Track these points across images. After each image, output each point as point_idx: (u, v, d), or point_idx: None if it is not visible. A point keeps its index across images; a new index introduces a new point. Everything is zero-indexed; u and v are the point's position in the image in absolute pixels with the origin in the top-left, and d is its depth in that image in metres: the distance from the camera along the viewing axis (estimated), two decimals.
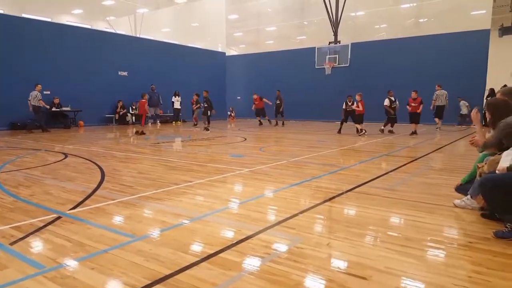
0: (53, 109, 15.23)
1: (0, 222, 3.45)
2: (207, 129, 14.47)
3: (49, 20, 19.55)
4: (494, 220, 3.42)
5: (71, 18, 25.77)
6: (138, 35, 24.15)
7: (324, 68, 21.93)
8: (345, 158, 8.06)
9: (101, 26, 25.79)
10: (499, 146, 3.68)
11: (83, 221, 3.50)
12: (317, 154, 8.30)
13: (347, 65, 21.26)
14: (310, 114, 21.99)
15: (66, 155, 7.86)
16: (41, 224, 3.39)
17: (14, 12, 17.97)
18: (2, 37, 14.42)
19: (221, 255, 2.73)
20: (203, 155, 8.34)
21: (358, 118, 13.14)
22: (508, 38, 21.59)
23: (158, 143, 10.69)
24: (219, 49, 26.14)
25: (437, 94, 14.82)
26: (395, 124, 13.74)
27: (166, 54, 20.61)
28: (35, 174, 5.86)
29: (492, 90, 15.04)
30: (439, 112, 14.99)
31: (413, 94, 13.12)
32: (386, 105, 13.43)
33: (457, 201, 4.01)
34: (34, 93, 13.59)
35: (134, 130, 13.45)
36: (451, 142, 10.83)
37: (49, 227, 3.33)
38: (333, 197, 4.42)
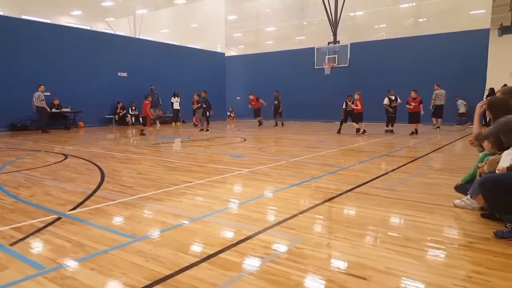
0: (53, 110, 15.23)
1: (0, 223, 3.45)
2: (206, 130, 14.43)
3: (48, 21, 19.57)
4: (494, 220, 3.42)
5: (70, 20, 25.80)
6: (137, 36, 24.17)
7: (324, 68, 21.92)
8: (344, 158, 8.05)
9: (100, 27, 25.83)
10: (498, 145, 3.68)
11: (83, 222, 3.50)
12: (316, 154, 8.30)
13: (347, 65, 21.26)
14: (309, 114, 21.98)
15: (66, 156, 7.86)
16: (41, 225, 3.39)
17: (13, 14, 18.00)
18: (1, 38, 14.41)
19: (221, 255, 2.73)
20: (203, 156, 8.34)
21: (357, 117, 13.17)
22: (508, 37, 21.60)
23: (157, 143, 10.69)
24: (219, 50, 26.14)
25: (436, 94, 14.85)
26: (395, 124, 13.77)
27: (165, 55, 20.62)
28: (35, 175, 5.86)
29: (492, 90, 15.05)
30: (438, 111, 15.01)
31: (413, 94, 13.13)
32: (385, 104, 13.47)
33: (457, 201, 4.01)
34: (37, 94, 13.65)
35: (141, 130, 13.38)
36: (451, 142, 10.83)
37: (49, 228, 3.33)
38: (333, 198, 4.42)
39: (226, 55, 26.27)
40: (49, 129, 14.36)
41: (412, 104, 13.08)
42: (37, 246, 2.96)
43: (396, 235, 3.20)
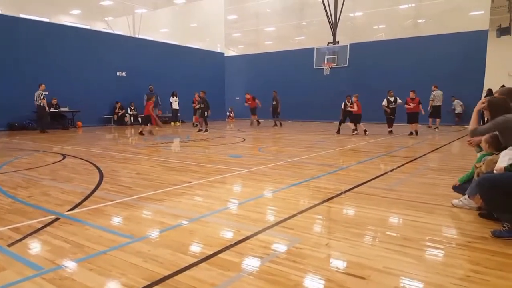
0: (51, 109, 15.21)
1: None
2: (205, 130, 14.40)
3: (47, 20, 19.53)
4: (492, 220, 3.43)
5: (69, 19, 25.75)
6: (136, 36, 24.15)
7: (323, 68, 21.94)
8: (343, 159, 8.06)
9: (99, 26, 25.80)
10: (496, 146, 3.70)
11: (82, 222, 3.49)
12: (316, 155, 8.31)
13: (346, 65, 21.28)
14: (308, 115, 21.99)
15: (64, 156, 7.85)
16: (39, 226, 3.38)
17: (12, 13, 17.94)
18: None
19: (220, 255, 2.73)
20: (202, 156, 8.34)
21: (355, 118, 13.23)
22: (506, 38, 21.68)
23: (156, 143, 10.68)
24: (218, 50, 26.15)
25: (434, 95, 14.97)
26: (394, 125, 13.78)
27: (164, 54, 20.60)
28: (33, 175, 5.84)
29: (490, 91, 15.09)
30: (436, 112, 15.08)
31: (411, 94, 13.16)
32: (383, 105, 13.52)
33: (455, 201, 4.02)
34: (38, 92, 13.64)
35: (149, 130, 13.30)
36: (449, 142, 10.85)
37: (47, 228, 3.32)
38: (332, 198, 4.43)
39: (225, 55, 26.27)
40: (47, 129, 14.33)
41: (411, 104, 13.11)
42: (35, 246, 2.95)
43: (394, 234, 3.21)
